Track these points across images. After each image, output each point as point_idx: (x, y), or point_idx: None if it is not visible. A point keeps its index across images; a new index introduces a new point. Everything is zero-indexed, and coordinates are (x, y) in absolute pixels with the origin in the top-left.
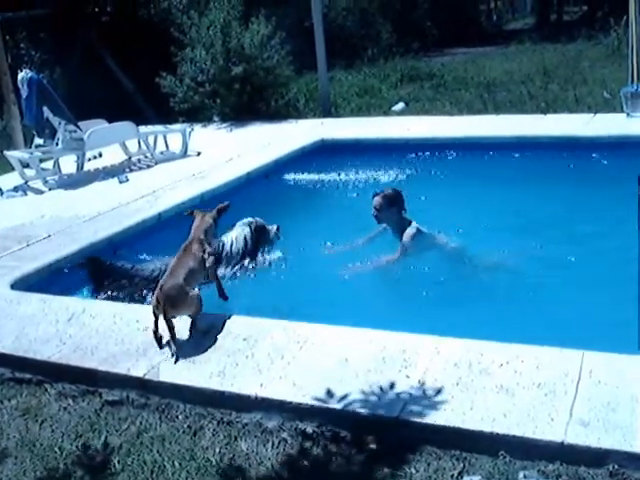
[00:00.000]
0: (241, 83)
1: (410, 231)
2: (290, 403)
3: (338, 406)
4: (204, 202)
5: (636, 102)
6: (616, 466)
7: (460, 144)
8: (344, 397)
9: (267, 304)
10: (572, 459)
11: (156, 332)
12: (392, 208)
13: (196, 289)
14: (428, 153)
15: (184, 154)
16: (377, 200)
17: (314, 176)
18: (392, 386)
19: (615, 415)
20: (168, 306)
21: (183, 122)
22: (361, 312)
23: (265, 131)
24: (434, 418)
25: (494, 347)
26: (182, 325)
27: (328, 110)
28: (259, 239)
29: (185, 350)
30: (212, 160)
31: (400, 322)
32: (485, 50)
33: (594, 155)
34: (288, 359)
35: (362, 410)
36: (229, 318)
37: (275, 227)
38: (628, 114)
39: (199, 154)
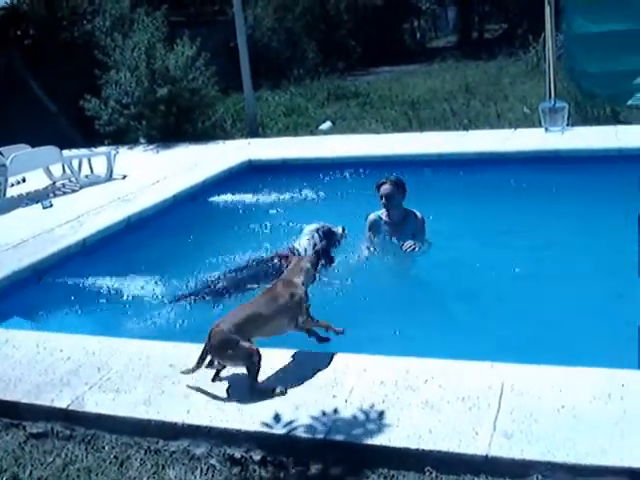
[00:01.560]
0: (167, 105)
1: (420, 214)
2: (217, 428)
3: (265, 430)
4: (130, 226)
5: (554, 117)
6: (540, 477)
7: (386, 162)
8: (272, 420)
9: (191, 327)
10: (497, 472)
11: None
12: (402, 194)
13: (252, 340)
14: (355, 172)
15: (109, 177)
16: (386, 188)
17: (242, 197)
18: (319, 407)
19: (537, 426)
20: (214, 353)
21: (109, 144)
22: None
23: (192, 152)
24: (361, 437)
25: (419, 363)
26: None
27: (255, 130)
28: (329, 242)
29: (111, 380)
30: (138, 183)
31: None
32: (409, 68)
33: (515, 170)
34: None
35: (290, 433)
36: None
37: (340, 228)
38: (547, 129)
39: (125, 177)
